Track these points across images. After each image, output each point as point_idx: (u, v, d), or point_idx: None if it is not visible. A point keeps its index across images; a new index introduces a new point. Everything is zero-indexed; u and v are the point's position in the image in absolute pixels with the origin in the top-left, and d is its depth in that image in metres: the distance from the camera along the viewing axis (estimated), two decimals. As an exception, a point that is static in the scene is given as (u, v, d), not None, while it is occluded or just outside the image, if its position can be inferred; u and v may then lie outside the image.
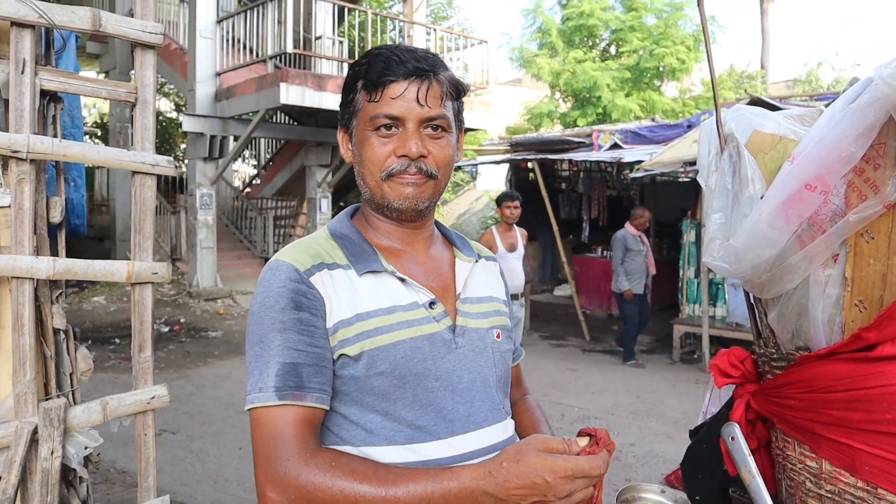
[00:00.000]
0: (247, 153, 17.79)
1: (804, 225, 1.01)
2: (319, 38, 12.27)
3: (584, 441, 0.98)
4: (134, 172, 1.65)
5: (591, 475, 0.93)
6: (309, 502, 0.97)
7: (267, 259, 13.85)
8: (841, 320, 1.10)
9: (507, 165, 11.36)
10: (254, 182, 17.02)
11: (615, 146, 9.36)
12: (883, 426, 1.02)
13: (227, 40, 11.50)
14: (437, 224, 1.35)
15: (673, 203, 10.40)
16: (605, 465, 0.94)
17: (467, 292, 1.25)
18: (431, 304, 1.18)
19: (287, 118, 13.50)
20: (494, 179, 18.51)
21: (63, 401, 1.47)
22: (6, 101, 1.46)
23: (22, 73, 1.42)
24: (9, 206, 1.44)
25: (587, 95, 16.63)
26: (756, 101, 8.09)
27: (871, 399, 1.02)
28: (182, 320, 10.10)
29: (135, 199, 1.66)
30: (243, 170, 19.55)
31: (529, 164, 10.58)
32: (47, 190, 1.53)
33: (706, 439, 1.52)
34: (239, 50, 11.72)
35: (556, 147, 10.05)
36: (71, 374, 1.53)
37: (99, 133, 18.76)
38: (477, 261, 1.32)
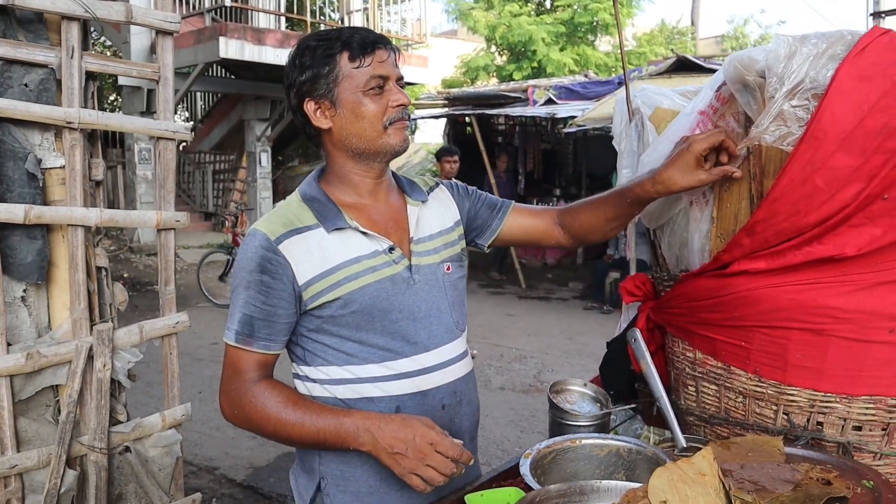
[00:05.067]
0: (180, 106, 17.47)
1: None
2: (257, -10, 12.16)
3: (459, 441, 1.25)
4: (158, 138, 1.95)
5: (446, 454, 1.20)
6: (245, 415, 1.33)
7: (207, 213, 13.86)
8: (709, 248, 1.53)
9: (444, 119, 11.64)
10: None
11: (550, 101, 9.71)
12: (733, 322, 1.45)
13: (162, -9, 11.30)
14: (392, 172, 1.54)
15: (604, 156, 10.89)
16: (460, 455, 1.22)
17: (419, 233, 1.46)
18: (391, 249, 1.40)
19: (224, 71, 13.38)
20: (433, 133, 18.71)
21: (110, 324, 1.79)
22: (59, 81, 1.74)
23: (71, 57, 1.69)
24: (62, 167, 1.74)
25: (523, 49, 16.90)
26: (682, 60, 8.58)
27: (725, 303, 1.45)
28: (126, 275, 10.12)
29: (159, 160, 1.97)
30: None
31: (467, 119, 10.89)
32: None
33: (618, 346, 1.95)
34: (175, 2, 11.53)
35: (492, 101, 10.36)
36: (110, 305, 1.85)
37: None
38: (425, 201, 1.51)
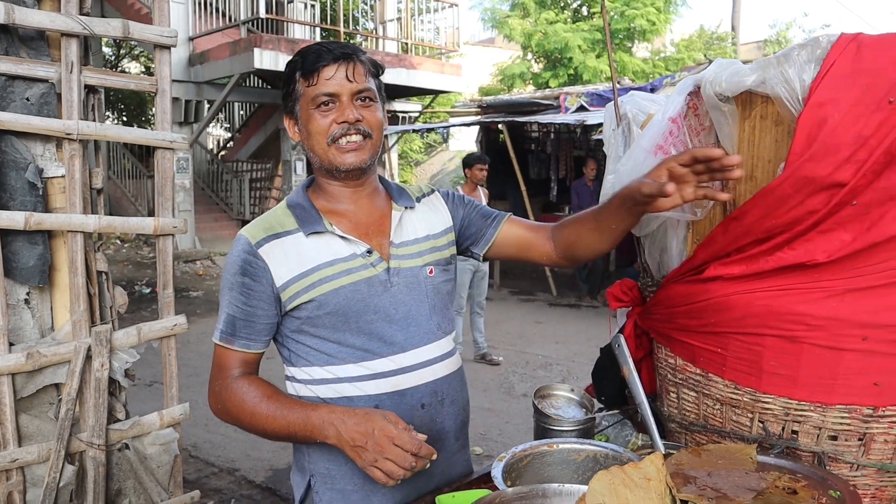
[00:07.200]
0: (220, 116, 17.86)
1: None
2: (291, 2, 12.39)
3: (422, 436, 1.25)
4: (156, 148, 2.03)
5: (405, 448, 1.20)
6: (226, 409, 1.40)
7: (244, 221, 14.14)
8: (687, 254, 1.53)
9: (478, 127, 11.68)
10: (228, 145, 17.13)
11: (581, 108, 9.70)
12: (709, 328, 1.44)
13: (200, 4, 11.59)
14: (381, 179, 1.58)
15: (636, 163, 10.80)
16: (419, 450, 1.21)
17: (401, 237, 1.49)
18: (368, 252, 1.43)
19: (261, 82, 13.65)
20: (466, 141, 18.79)
21: (108, 326, 1.87)
22: (59, 95, 1.83)
23: (70, 72, 1.77)
24: (63, 176, 1.83)
25: (559, 56, 16.86)
26: (714, 65, 8.48)
27: (702, 309, 1.44)
28: (163, 281, 10.34)
29: (157, 169, 2.05)
30: (216, 133, 19.59)
31: (500, 126, 10.91)
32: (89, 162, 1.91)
33: (608, 353, 1.95)
34: (211, 14, 11.81)
35: (524, 109, 10.37)
36: (111, 307, 1.93)
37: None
38: (412, 207, 1.54)
